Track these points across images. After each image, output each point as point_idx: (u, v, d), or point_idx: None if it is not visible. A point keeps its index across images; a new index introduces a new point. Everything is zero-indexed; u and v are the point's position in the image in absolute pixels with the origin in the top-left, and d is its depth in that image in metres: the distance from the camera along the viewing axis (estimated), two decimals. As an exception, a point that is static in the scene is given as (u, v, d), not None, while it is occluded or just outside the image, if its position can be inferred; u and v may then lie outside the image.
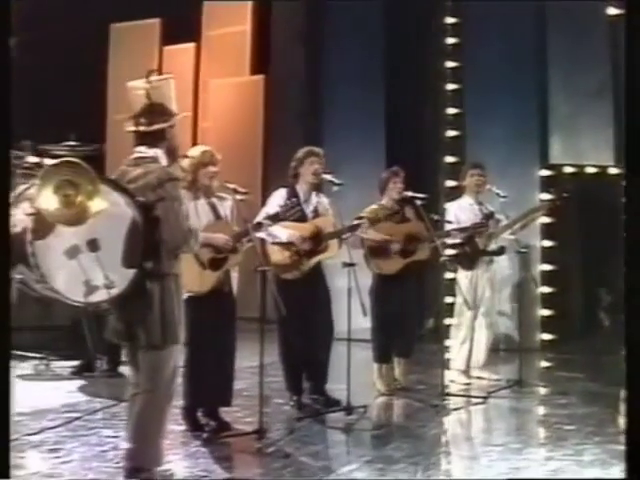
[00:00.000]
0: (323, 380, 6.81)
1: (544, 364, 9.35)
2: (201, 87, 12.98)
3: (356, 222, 6.85)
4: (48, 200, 4.29)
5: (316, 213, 6.87)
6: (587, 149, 10.20)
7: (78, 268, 4.36)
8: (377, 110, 11.02)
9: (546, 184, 10.27)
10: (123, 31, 13.50)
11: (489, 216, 7.85)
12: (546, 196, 10.09)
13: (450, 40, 10.85)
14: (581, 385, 7.94)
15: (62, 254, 4.36)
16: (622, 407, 5.34)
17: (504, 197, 7.93)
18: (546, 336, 10.22)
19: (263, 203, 7.87)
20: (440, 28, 10.90)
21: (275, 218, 6.28)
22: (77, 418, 6.19)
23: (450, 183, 10.57)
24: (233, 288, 6.12)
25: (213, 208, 6.02)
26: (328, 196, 7.00)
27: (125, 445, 4.66)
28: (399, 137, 10.86)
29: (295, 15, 12.05)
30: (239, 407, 6.58)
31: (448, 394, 7.24)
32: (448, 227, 7.86)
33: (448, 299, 9.19)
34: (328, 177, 6.68)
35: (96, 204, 4.33)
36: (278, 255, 6.69)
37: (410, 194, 7.36)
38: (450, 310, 8.55)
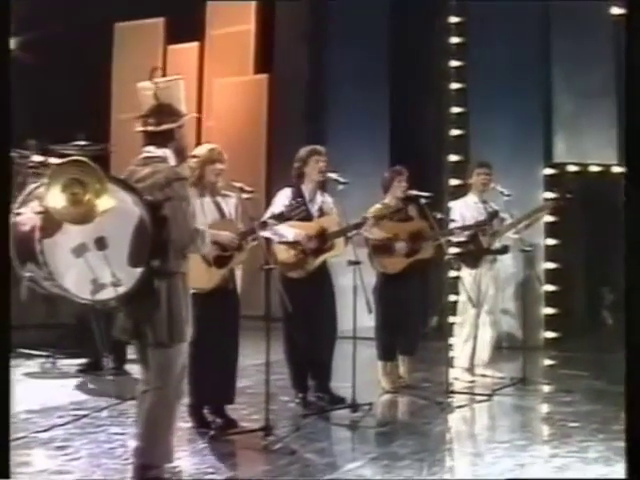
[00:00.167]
0: (327, 378, 6.84)
1: (548, 362, 9.40)
2: (205, 86, 13.01)
3: (361, 220, 6.90)
4: (56, 199, 4.33)
5: (321, 212, 6.90)
6: (591, 148, 10.22)
7: (85, 266, 4.40)
8: (381, 109, 11.04)
9: (550, 183, 10.30)
10: (127, 30, 13.53)
11: (494, 215, 7.89)
12: (550, 195, 10.13)
13: (454, 39, 10.88)
14: (585, 383, 7.98)
15: (70, 252, 4.40)
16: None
17: (508, 195, 7.96)
18: (550, 334, 10.25)
19: (267, 202, 7.91)
20: (444, 27, 10.93)
21: (280, 217, 6.31)
22: (85, 415, 6.23)
23: (454, 182, 10.62)
24: (237, 286, 6.14)
25: (218, 206, 6.06)
26: (332, 195, 7.03)
27: (134, 442, 4.70)
28: (403, 136, 10.88)
29: (299, 15, 12.07)
30: (245, 405, 6.63)
31: (453, 392, 7.28)
32: (452, 225, 7.89)
33: (452, 297, 9.21)
34: (333, 176, 6.71)
35: (103, 203, 4.36)
36: (284, 254, 6.73)
37: (415, 193, 7.39)
38: (454, 308, 8.58)
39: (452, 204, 8.37)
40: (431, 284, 10.16)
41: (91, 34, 12.10)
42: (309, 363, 6.84)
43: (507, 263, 8.78)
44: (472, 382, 7.88)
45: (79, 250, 4.41)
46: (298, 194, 6.83)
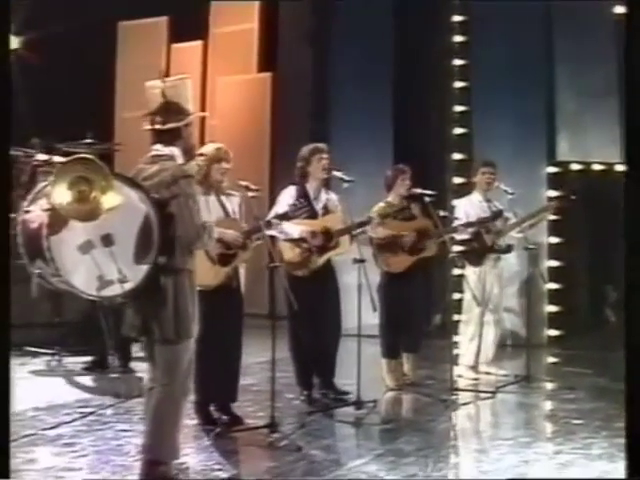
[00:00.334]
0: (332, 375, 6.88)
1: (551, 360, 9.43)
2: (208, 85, 13.03)
3: (366, 219, 6.93)
4: (62, 196, 4.38)
5: (326, 210, 6.93)
6: (594, 146, 10.25)
7: (92, 263, 4.44)
8: (384, 108, 11.06)
9: (553, 181, 10.34)
10: (131, 29, 13.57)
11: (498, 214, 7.91)
12: (553, 193, 10.15)
13: (458, 38, 10.91)
14: (588, 380, 8.01)
15: (76, 249, 4.45)
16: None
17: (512, 194, 7.99)
18: (553, 332, 10.29)
19: (271, 200, 7.95)
20: (447, 27, 10.95)
21: (284, 218, 6.36)
22: (91, 413, 6.27)
23: (457, 180, 10.66)
24: (241, 284, 6.18)
25: (222, 205, 6.10)
26: (337, 193, 7.06)
27: (142, 439, 4.73)
28: (406, 135, 10.90)
29: (302, 14, 12.10)
30: (250, 402, 6.68)
31: (457, 389, 7.31)
32: (455, 223, 7.92)
33: (455, 295, 9.24)
34: (338, 174, 6.74)
35: (109, 200, 4.41)
36: (289, 252, 6.76)
37: (419, 191, 7.41)
38: (458, 306, 8.61)
39: (456, 202, 8.40)
40: (434, 282, 10.21)
41: (95, 33, 12.12)
42: (314, 360, 6.87)
43: (511, 261, 8.82)
44: (476, 380, 7.90)
45: (85, 247, 4.46)
46: (302, 192, 6.86)
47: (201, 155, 5.85)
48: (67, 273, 4.47)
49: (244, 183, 5.93)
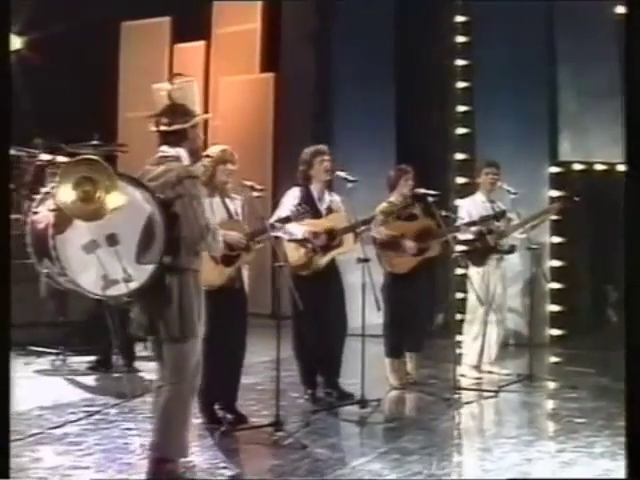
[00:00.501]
0: (337, 374, 6.92)
1: (553, 359, 9.46)
2: (211, 85, 13.05)
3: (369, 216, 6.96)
4: (67, 196, 4.43)
5: (330, 211, 6.97)
6: (596, 146, 10.28)
7: (97, 262, 4.48)
8: (386, 108, 11.08)
9: (555, 181, 10.37)
10: (134, 29, 13.60)
11: (501, 214, 7.94)
12: (555, 193, 10.19)
13: (460, 39, 10.95)
14: (590, 380, 8.04)
15: (81, 248, 4.50)
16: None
17: (515, 194, 8.02)
18: (555, 331, 10.32)
19: (273, 200, 7.98)
20: (450, 27, 10.98)
21: (287, 222, 6.40)
22: (97, 412, 6.31)
23: (460, 180, 10.69)
24: (245, 285, 6.21)
25: (226, 206, 6.13)
26: (340, 193, 7.10)
27: (150, 437, 4.77)
28: (409, 135, 10.93)
29: (305, 14, 12.11)
30: (254, 401, 6.72)
31: (460, 388, 7.35)
32: (458, 222, 7.95)
33: (458, 295, 9.27)
34: (342, 174, 6.78)
35: (114, 200, 4.46)
36: (293, 252, 6.79)
37: (422, 191, 7.44)
38: (460, 306, 8.64)
39: (460, 202, 8.43)
40: (437, 282, 10.23)
41: (98, 33, 12.16)
42: (318, 360, 6.91)
43: (514, 261, 8.84)
44: (479, 379, 7.93)
45: (90, 246, 4.51)
46: (306, 194, 6.89)
47: (207, 157, 5.88)
48: (73, 272, 4.52)
49: (249, 183, 5.98)
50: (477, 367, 8.06)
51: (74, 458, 5.23)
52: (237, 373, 6.16)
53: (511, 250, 8.12)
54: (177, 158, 4.78)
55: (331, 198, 7.03)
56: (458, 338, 8.17)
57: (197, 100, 4.97)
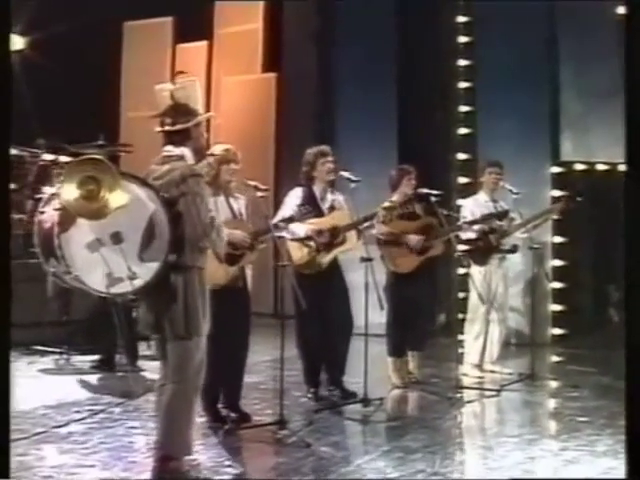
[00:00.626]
0: (341, 372, 6.94)
1: (555, 358, 9.48)
2: (213, 85, 13.08)
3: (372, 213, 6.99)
4: (72, 195, 4.47)
5: (332, 210, 6.99)
6: (598, 146, 10.28)
7: (102, 260, 4.52)
8: (388, 108, 11.09)
9: (557, 181, 10.39)
10: (136, 29, 13.64)
11: (504, 214, 7.96)
12: (557, 193, 10.21)
13: (462, 39, 10.96)
14: (592, 379, 8.06)
15: (86, 246, 4.54)
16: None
17: (517, 194, 8.04)
18: (557, 331, 10.34)
19: (276, 200, 8.00)
20: (452, 27, 11.00)
21: (290, 222, 6.42)
22: (102, 410, 6.34)
23: (462, 180, 10.72)
24: (248, 284, 6.24)
25: (230, 206, 6.16)
26: (342, 193, 7.11)
27: (154, 435, 4.80)
28: (411, 135, 10.94)
29: (307, 14, 12.13)
30: (257, 400, 6.75)
31: (462, 387, 7.37)
32: (461, 221, 7.98)
33: (460, 294, 9.29)
34: (345, 174, 6.80)
35: (118, 199, 4.50)
36: (297, 251, 6.81)
37: (425, 191, 7.46)
38: (463, 305, 8.66)
39: (463, 202, 8.45)
40: (439, 281, 10.25)
41: (100, 33, 12.19)
42: (322, 359, 6.94)
43: (516, 261, 8.86)
44: (481, 378, 7.95)
45: (95, 244, 4.55)
46: (309, 194, 6.92)
47: (211, 156, 5.91)
48: (78, 270, 4.56)
49: (253, 183, 6.01)
50: (479, 366, 8.09)
51: (79, 456, 5.26)
52: (240, 372, 6.19)
53: (513, 249, 8.14)
54: (181, 157, 4.82)
55: (333, 197, 7.04)
56: (460, 337, 8.18)
57: (200, 99, 5.00)
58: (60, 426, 5.87)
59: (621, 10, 10.04)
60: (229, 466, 5.17)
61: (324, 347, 6.87)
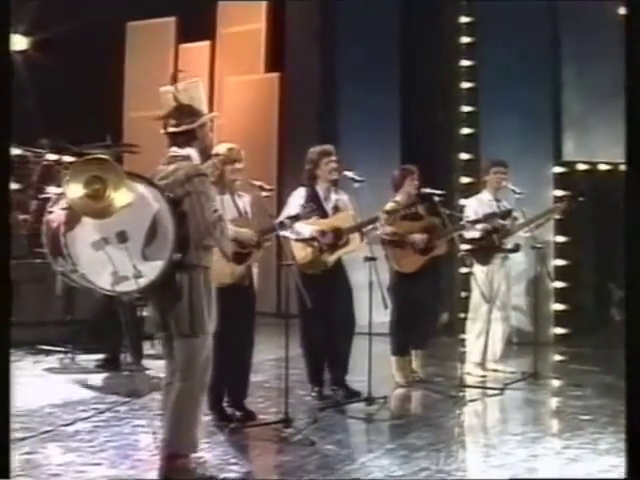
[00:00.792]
0: (344, 372, 6.98)
1: (558, 357, 9.52)
2: (216, 85, 13.11)
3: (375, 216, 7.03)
4: (77, 194, 4.51)
5: (336, 210, 7.02)
6: (600, 146, 10.30)
7: (108, 259, 4.56)
8: (391, 109, 11.12)
9: (559, 181, 10.42)
10: (139, 30, 13.68)
11: (507, 213, 7.99)
12: (559, 193, 10.24)
13: (465, 39, 11.00)
14: (595, 378, 8.08)
15: (91, 245, 4.58)
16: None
17: (520, 194, 8.07)
18: (559, 330, 10.38)
19: (279, 200, 8.03)
20: (455, 27, 11.03)
21: (296, 219, 6.45)
22: (108, 409, 6.38)
23: (464, 180, 10.75)
24: (254, 282, 6.28)
25: (236, 204, 6.20)
26: (347, 193, 7.14)
27: (161, 433, 4.84)
28: (413, 135, 10.98)
29: (309, 14, 12.16)
30: (262, 398, 6.78)
31: (465, 386, 7.40)
32: (464, 220, 8.01)
33: (462, 293, 9.32)
34: (349, 174, 6.83)
35: (123, 198, 4.54)
36: (301, 251, 6.84)
37: (428, 191, 7.50)
38: (465, 304, 8.69)
39: (466, 202, 8.48)
40: (442, 281, 10.28)
41: (103, 34, 12.22)
42: (325, 358, 6.97)
43: (518, 260, 8.89)
44: (484, 376, 7.99)
45: (101, 243, 4.59)
46: (312, 194, 6.95)
47: (216, 156, 5.94)
48: (84, 269, 4.60)
49: (258, 182, 6.05)
50: (481, 365, 8.11)
51: (86, 455, 5.29)
52: (247, 370, 6.22)
53: (516, 249, 8.17)
54: (187, 158, 4.86)
55: (337, 197, 7.07)
56: (462, 336, 8.22)
57: (204, 100, 5.04)
58: (67, 424, 5.91)
59: (622, 10, 10.08)
60: (235, 464, 5.20)
61: (327, 347, 6.90)
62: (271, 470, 5.32)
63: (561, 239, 10.34)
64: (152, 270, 4.62)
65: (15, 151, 9.37)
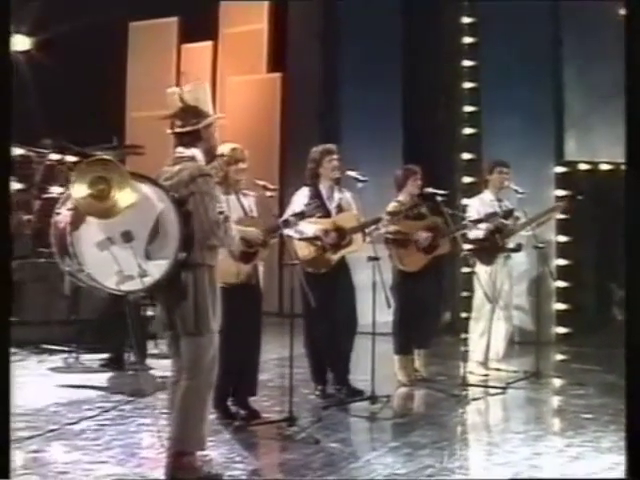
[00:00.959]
0: (346, 371, 7.00)
1: (560, 357, 9.54)
2: (218, 85, 13.14)
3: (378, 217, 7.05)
4: (82, 194, 4.56)
5: (340, 209, 7.04)
6: (601, 146, 10.33)
7: (113, 258, 4.60)
8: (393, 109, 11.16)
9: (561, 181, 10.45)
10: (141, 30, 13.71)
11: (509, 213, 8.02)
12: (561, 192, 10.27)
13: (467, 39, 11.03)
14: (596, 377, 8.11)
15: (96, 245, 4.62)
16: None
17: (522, 193, 8.10)
18: (561, 329, 10.41)
19: (281, 200, 8.06)
20: (457, 28, 11.06)
21: (301, 216, 6.49)
22: (113, 408, 6.42)
23: (466, 180, 10.78)
24: (260, 281, 6.31)
25: (241, 204, 6.23)
26: (350, 192, 7.17)
27: (167, 431, 4.88)
28: (415, 135, 11.01)
29: (311, 14, 12.20)
30: (266, 397, 6.80)
31: (468, 384, 7.43)
32: (467, 220, 8.04)
33: (464, 293, 9.34)
34: (353, 174, 6.87)
35: (127, 198, 4.58)
36: (304, 251, 6.87)
37: (431, 190, 7.53)
38: (467, 304, 8.72)
39: (469, 201, 8.51)
40: (445, 280, 10.31)
41: (105, 34, 12.26)
42: (328, 357, 7.00)
43: (520, 260, 8.92)
44: (486, 375, 8.02)
45: (106, 243, 4.63)
46: (316, 193, 6.97)
47: (221, 156, 5.97)
48: (90, 268, 4.64)
49: (262, 182, 6.08)
50: (484, 364, 8.14)
51: (92, 453, 5.32)
52: (254, 368, 6.25)
53: (518, 248, 8.20)
54: (192, 158, 4.89)
55: (341, 195, 7.08)
56: (464, 335, 8.25)
57: (209, 101, 5.07)
58: (73, 423, 5.94)
59: (624, 10, 10.09)
60: (240, 462, 5.23)
61: (330, 346, 6.93)
62: (276, 468, 5.36)
63: (563, 239, 10.37)
64: (157, 269, 4.66)
65: (18, 151, 9.42)
